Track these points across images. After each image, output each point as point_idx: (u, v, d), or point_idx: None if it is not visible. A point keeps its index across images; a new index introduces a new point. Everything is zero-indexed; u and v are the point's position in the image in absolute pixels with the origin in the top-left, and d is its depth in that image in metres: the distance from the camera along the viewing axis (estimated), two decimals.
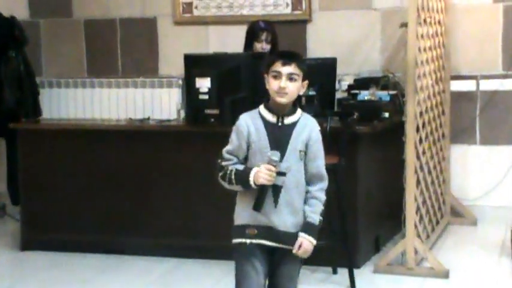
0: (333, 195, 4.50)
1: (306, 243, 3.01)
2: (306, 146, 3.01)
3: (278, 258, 3.06)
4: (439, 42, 5.44)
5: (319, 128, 3.08)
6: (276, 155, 2.93)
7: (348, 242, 4.52)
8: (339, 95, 5.45)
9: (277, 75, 2.98)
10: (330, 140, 4.52)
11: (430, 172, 5.18)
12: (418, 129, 4.78)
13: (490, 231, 5.57)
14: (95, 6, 6.61)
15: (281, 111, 3.01)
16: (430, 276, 4.59)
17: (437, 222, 5.45)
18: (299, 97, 3.10)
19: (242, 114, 3.08)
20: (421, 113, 4.87)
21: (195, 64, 4.91)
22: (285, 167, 2.96)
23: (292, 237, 3.02)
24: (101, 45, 6.63)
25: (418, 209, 4.80)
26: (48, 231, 5.31)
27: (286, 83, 2.96)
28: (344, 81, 5.70)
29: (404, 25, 4.77)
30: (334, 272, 4.67)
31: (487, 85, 5.84)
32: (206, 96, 4.76)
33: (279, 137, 2.98)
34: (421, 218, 4.90)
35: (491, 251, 5.08)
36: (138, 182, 5.14)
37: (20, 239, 5.39)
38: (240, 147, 3.02)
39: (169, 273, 4.81)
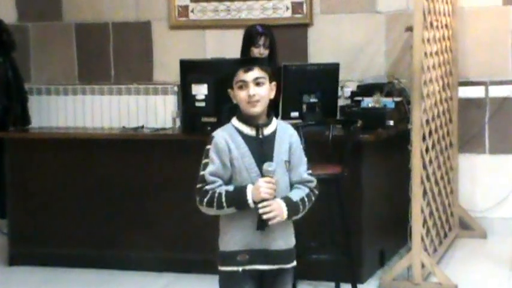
0: (335, 207, 4.53)
1: (277, 206, 2.88)
2: (289, 154, 2.98)
3: (269, 279, 3.00)
4: (446, 46, 5.46)
5: (296, 133, 3.06)
6: (271, 166, 2.88)
7: (352, 256, 4.53)
8: (341, 102, 5.47)
9: (243, 84, 2.93)
10: (333, 149, 4.56)
11: (437, 182, 5.19)
12: (424, 138, 4.80)
13: (500, 245, 5.58)
14: (87, 9, 6.63)
15: (257, 122, 2.96)
16: None
17: (445, 235, 5.45)
18: (272, 104, 3.05)
19: (216, 131, 3.02)
20: (427, 121, 4.88)
21: (191, 70, 4.93)
22: (275, 182, 2.90)
23: (284, 255, 2.99)
24: (93, 51, 6.64)
25: (424, 221, 4.80)
26: (37, 245, 5.31)
27: (254, 89, 2.92)
28: (347, 87, 5.71)
29: (409, 29, 4.79)
30: (337, 287, 4.68)
31: (496, 91, 5.85)
32: (203, 104, 4.78)
33: (263, 151, 2.93)
34: (428, 230, 4.90)
35: (502, 265, 5.08)
36: (132, 194, 5.14)
37: (8, 254, 5.39)
38: (224, 166, 2.93)
39: None
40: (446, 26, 5.46)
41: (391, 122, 4.99)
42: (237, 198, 2.89)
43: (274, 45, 5.29)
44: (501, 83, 5.85)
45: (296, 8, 6.13)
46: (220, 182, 2.93)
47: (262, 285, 3.01)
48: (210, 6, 6.31)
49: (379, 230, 5.06)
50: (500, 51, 5.85)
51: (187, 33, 6.42)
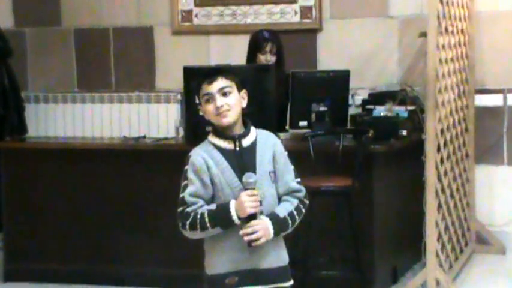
0: (346, 221, 4.53)
1: (261, 226, 2.83)
2: (273, 164, 2.94)
3: None
4: (462, 52, 5.47)
5: (280, 140, 3.02)
6: (251, 177, 2.84)
7: (363, 273, 4.53)
8: (352, 110, 5.47)
9: (209, 97, 2.92)
10: (343, 161, 4.57)
11: (452, 195, 5.19)
12: (439, 149, 4.80)
13: None
14: (86, 14, 6.65)
15: (233, 133, 2.93)
16: None
17: (461, 251, 5.44)
18: (246, 113, 3.01)
19: (192, 150, 2.98)
20: (442, 131, 4.89)
21: (195, 77, 4.92)
22: (259, 194, 2.85)
23: (277, 273, 2.95)
24: (93, 57, 6.66)
25: (439, 236, 4.80)
26: (34, 260, 5.32)
27: (221, 100, 2.89)
28: (358, 95, 5.72)
29: (423, 34, 4.80)
30: None
31: None
32: None
33: (243, 164, 2.89)
34: (443, 246, 4.90)
35: None
36: (133, 207, 5.15)
37: (3, 269, 5.40)
38: (204, 185, 2.90)
39: None
40: (462, 31, 5.46)
41: (404, 132, 4.99)
42: (221, 216, 2.85)
43: (281, 51, 5.31)
44: None
45: (305, 12, 6.14)
46: (201, 202, 2.90)
47: None
48: (215, 11, 6.33)
49: (392, 245, 5.06)
50: None
51: (191, 39, 6.43)
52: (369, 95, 5.67)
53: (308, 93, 5.07)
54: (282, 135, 4.66)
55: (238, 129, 2.95)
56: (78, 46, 6.70)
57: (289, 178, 2.96)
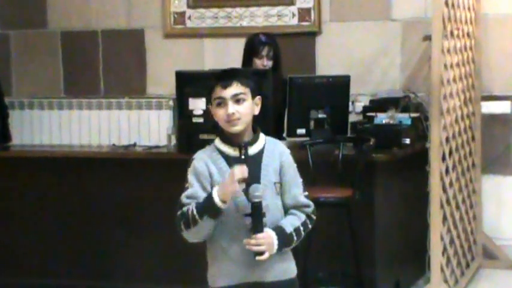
0: (346, 234, 4.54)
1: (266, 240, 2.84)
2: (280, 175, 2.95)
3: None
4: (468, 57, 5.48)
5: (289, 151, 3.02)
6: (258, 190, 2.84)
7: None
8: (352, 118, 5.48)
9: (222, 102, 2.91)
10: (343, 170, 4.58)
11: (458, 207, 5.20)
12: (444, 158, 4.81)
13: None
14: (74, 16, 6.66)
15: (241, 140, 2.93)
16: None
17: (467, 265, 5.45)
18: (257, 118, 3.01)
19: (197, 153, 3.00)
20: (447, 139, 4.90)
21: (188, 83, 4.95)
22: (263, 206, 2.86)
23: (283, 286, 2.95)
24: (81, 61, 6.67)
25: (444, 249, 4.81)
26: (19, 274, 5.32)
27: (233, 107, 2.89)
28: (359, 102, 5.73)
29: (428, 38, 4.82)
30: None
31: None
32: (201, 120, 4.80)
33: (248, 173, 2.85)
34: (448, 260, 4.90)
35: None
36: (123, 218, 5.15)
37: None
38: (204, 189, 2.91)
39: None
40: (468, 34, 5.48)
41: (408, 140, 5.00)
42: (206, 205, 2.84)
43: (278, 56, 5.31)
44: None
45: (303, 15, 6.15)
46: (195, 202, 2.89)
47: None
48: (209, 13, 6.34)
49: (394, 259, 5.06)
50: None
51: (184, 42, 6.44)
52: (370, 101, 5.68)
53: (306, 100, 5.08)
54: None
55: (247, 136, 2.95)
56: (65, 50, 6.71)
57: (298, 191, 2.98)
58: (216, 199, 2.82)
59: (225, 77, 2.93)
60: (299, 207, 2.96)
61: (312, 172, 4.55)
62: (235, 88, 2.90)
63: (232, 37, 6.22)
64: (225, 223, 2.89)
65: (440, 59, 4.70)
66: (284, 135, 5.13)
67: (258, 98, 2.98)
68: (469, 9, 5.47)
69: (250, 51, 5.32)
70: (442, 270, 4.69)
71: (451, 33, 4.98)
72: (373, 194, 4.76)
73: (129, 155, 5.26)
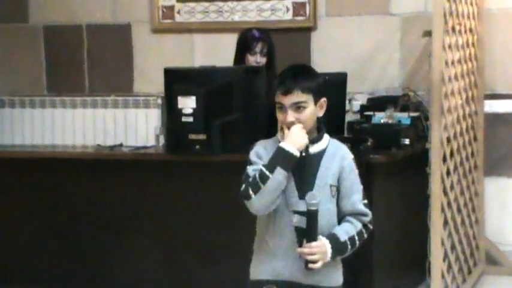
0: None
1: (320, 248, 2.93)
2: (338, 179, 3.03)
3: None
4: (470, 54, 5.50)
5: (352, 156, 3.10)
6: (315, 198, 2.91)
7: None
8: (349, 117, 5.49)
9: (282, 107, 3.01)
10: None
11: (460, 210, 5.21)
12: (445, 159, 4.82)
13: None
14: (57, 9, 6.66)
15: None
16: None
17: (470, 272, 5.46)
18: (322, 118, 3.10)
19: (258, 142, 3.11)
20: (448, 140, 4.91)
21: (177, 80, 4.96)
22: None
23: None
24: (64, 57, 6.67)
25: (445, 255, 4.82)
26: (0, 283, 5.33)
27: (293, 115, 2.98)
28: (356, 100, 5.74)
29: (428, 34, 4.83)
30: None
31: None
32: (190, 119, 4.80)
33: (304, 170, 2.98)
34: (449, 266, 4.92)
35: None
36: (108, 224, 5.15)
37: None
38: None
39: None
40: (470, 30, 5.50)
41: (407, 141, 5.01)
42: (276, 156, 2.92)
43: (273, 52, 5.32)
44: None
45: (298, 9, 6.17)
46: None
47: None
48: (199, 7, 6.34)
49: (393, 265, 5.07)
50: None
51: (173, 38, 6.45)
52: (368, 100, 5.69)
53: None
54: None
55: (310, 135, 3.02)
56: (48, 45, 6.71)
57: (357, 198, 3.05)
58: (287, 146, 2.91)
59: (286, 82, 3.01)
60: (356, 214, 3.05)
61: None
62: (296, 97, 2.98)
63: (223, 32, 6.24)
64: (272, 217, 2.99)
65: (441, 56, 4.71)
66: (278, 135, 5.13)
67: (323, 101, 3.07)
68: (471, 3, 5.48)
69: (243, 47, 5.32)
70: (442, 276, 4.70)
71: (453, 28, 4.99)
72: (371, 197, 4.71)
73: (115, 156, 5.26)
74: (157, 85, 5.40)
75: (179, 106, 4.81)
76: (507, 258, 5.83)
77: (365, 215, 3.06)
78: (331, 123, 5.01)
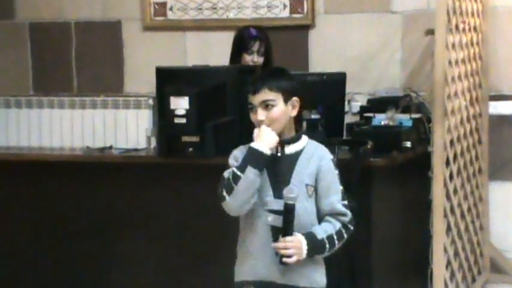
0: (341, 246, 4.56)
1: (295, 243, 3.09)
2: (316, 179, 3.18)
3: None
4: (474, 53, 5.52)
5: (331, 156, 3.26)
6: (292, 192, 3.09)
7: None
8: (348, 119, 5.51)
9: (252, 107, 3.20)
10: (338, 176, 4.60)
11: (463, 216, 5.23)
12: (448, 163, 4.84)
13: None
14: (44, 5, 6.66)
15: (280, 138, 3.19)
16: None
17: (474, 280, 5.48)
18: (301, 119, 3.32)
19: (238, 147, 3.28)
20: (451, 142, 4.93)
21: (169, 80, 4.97)
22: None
23: None
24: (52, 55, 6.68)
25: (448, 263, 4.84)
26: None
27: (262, 113, 3.17)
28: (355, 101, 5.76)
29: (431, 32, 4.85)
30: None
31: None
32: (183, 120, 4.81)
33: (279, 170, 3.16)
34: (452, 274, 4.94)
35: None
36: (98, 229, 5.15)
37: None
38: None
39: None
40: (475, 28, 5.51)
41: (408, 144, 5.02)
42: (246, 156, 3.13)
43: (270, 52, 5.34)
44: None
45: (295, 6, 6.18)
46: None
47: None
48: (193, 4, 6.35)
49: (393, 274, 5.08)
50: None
51: (165, 36, 6.46)
52: (368, 101, 5.70)
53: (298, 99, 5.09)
54: None
55: (284, 135, 3.23)
56: (35, 43, 6.72)
57: (336, 199, 3.20)
58: (256, 145, 3.12)
59: (255, 82, 3.21)
60: (335, 214, 3.19)
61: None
62: (264, 95, 3.17)
63: (217, 30, 6.25)
64: (249, 216, 3.18)
65: (444, 55, 4.73)
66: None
67: (295, 100, 3.22)
68: (476, 1, 5.50)
69: (240, 46, 5.34)
70: (445, 285, 4.72)
71: (456, 27, 5.01)
72: (371, 202, 4.78)
73: (104, 159, 5.27)
74: (149, 85, 5.40)
75: (171, 107, 4.82)
76: None
77: (344, 215, 3.20)
78: (329, 125, 5.09)
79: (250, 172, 3.09)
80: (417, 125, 5.23)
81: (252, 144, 3.13)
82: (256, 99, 3.17)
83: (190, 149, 4.81)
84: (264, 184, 3.16)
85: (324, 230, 3.16)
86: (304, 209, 3.15)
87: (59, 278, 5.22)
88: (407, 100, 5.53)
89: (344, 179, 4.50)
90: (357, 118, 5.61)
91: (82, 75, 6.62)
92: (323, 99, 5.11)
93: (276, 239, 3.12)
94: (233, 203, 3.13)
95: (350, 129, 5.27)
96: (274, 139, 3.13)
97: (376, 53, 6.05)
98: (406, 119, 5.19)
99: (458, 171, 5.10)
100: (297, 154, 3.20)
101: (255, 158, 3.10)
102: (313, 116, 5.05)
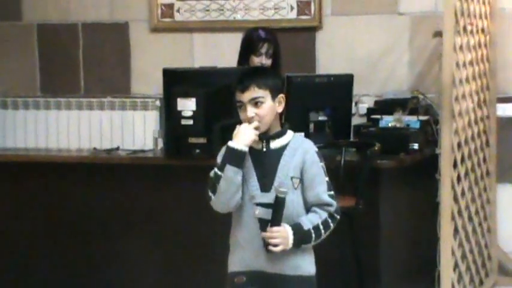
0: (348, 247, 4.55)
1: (282, 233, 3.17)
2: (301, 172, 3.26)
3: None
4: (482, 55, 5.51)
5: (315, 149, 3.32)
6: (284, 185, 3.18)
7: None
8: (356, 120, 5.51)
9: (241, 105, 3.28)
10: (345, 178, 4.59)
11: (471, 218, 5.21)
12: (455, 165, 4.83)
13: None
14: (52, 7, 6.67)
15: (266, 134, 3.29)
16: None
17: (481, 283, 5.47)
18: (282, 115, 3.36)
19: (222, 149, 3.31)
20: (459, 145, 4.92)
21: (176, 81, 4.97)
22: (272, 198, 3.21)
23: (291, 282, 3.25)
24: (59, 57, 6.68)
25: (456, 265, 4.82)
26: None
27: (252, 111, 3.25)
28: (362, 103, 5.76)
29: (438, 34, 4.84)
30: None
31: None
32: (190, 122, 4.81)
33: (265, 164, 3.26)
34: (460, 276, 4.92)
35: None
36: (106, 230, 5.16)
37: None
38: None
39: None
40: (483, 30, 5.50)
41: (416, 146, 5.02)
42: (224, 155, 3.23)
43: (278, 54, 5.33)
44: None
45: (302, 8, 6.17)
46: None
47: None
48: (200, 5, 6.35)
49: (401, 276, 5.08)
50: None
51: (172, 37, 6.46)
52: (376, 102, 5.70)
53: (306, 101, 5.09)
54: None
55: (272, 131, 3.31)
56: (42, 44, 6.72)
57: (322, 190, 3.27)
58: (232, 144, 3.21)
59: (243, 80, 3.28)
60: (321, 205, 3.26)
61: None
62: (253, 92, 3.25)
63: (224, 32, 6.25)
64: (239, 210, 3.27)
65: (452, 57, 4.72)
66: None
67: (281, 97, 3.31)
68: (484, 2, 5.49)
69: (248, 47, 5.33)
70: (453, 287, 4.70)
71: (464, 28, 5.00)
72: (378, 204, 4.78)
73: (111, 160, 5.26)
74: (156, 86, 5.41)
75: (178, 108, 4.83)
76: None
77: (330, 205, 3.26)
78: (336, 127, 5.09)
79: (229, 170, 3.19)
80: (425, 127, 5.23)
81: (229, 143, 3.23)
82: (245, 96, 3.25)
83: (198, 150, 4.82)
84: (251, 179, 3.25)
85: (310, 221, 3.23)
86: (291, 201, 3.22)
87: (67, 274, 5.23)
88: (415, 102, 5.52)
89: (352, 181, 4.53)
90: (364, 120, 5.62)
91: (89, 76, 6.62)
92: (330, 101, 5.12)
93: (264, 231, 3.20)
94: (218, 202, 3.25)
95: (357, 131, 5.27)
96: (251, 136, 3.21)
97: (384, 55, 6.04)
98: (413, 121, 5.19)
99: (466, 174, 5.09)
100: (282, 148, 3.28)
101: (232, 156, 3.20)
102: (320, 118, 5.06)
